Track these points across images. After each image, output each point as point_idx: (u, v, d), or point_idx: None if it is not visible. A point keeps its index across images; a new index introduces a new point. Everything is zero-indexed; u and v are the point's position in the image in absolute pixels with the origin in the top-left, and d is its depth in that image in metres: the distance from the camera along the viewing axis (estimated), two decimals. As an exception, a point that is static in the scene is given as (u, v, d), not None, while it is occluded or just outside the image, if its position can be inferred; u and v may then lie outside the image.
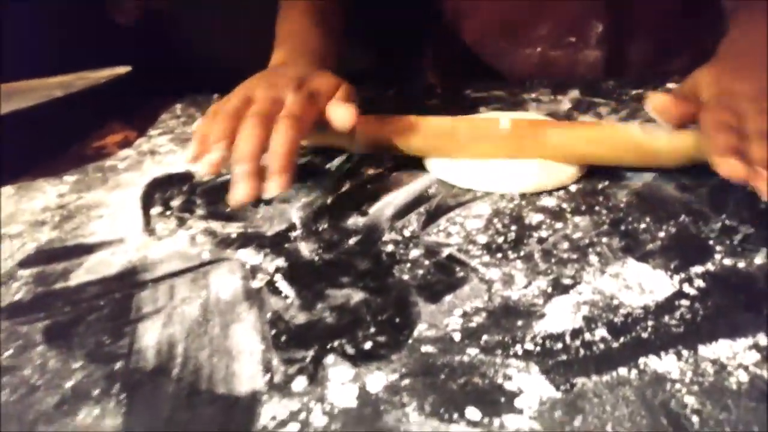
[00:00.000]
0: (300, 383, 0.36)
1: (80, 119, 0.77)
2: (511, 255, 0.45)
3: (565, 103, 0.68)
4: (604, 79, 0.73)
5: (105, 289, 0.46)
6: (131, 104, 0.81)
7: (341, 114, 0.49)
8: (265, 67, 0.62)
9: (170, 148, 0.69)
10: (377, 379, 0.35)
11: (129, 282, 0.47)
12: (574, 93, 0.70)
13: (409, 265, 0.45)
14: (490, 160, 0.53)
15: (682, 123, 0.47)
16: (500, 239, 0.46)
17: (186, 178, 0.62)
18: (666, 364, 0.34)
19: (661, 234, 0.44)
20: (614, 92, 0.69)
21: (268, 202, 0.55)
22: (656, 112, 0.47)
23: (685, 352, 0.35)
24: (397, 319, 0.40)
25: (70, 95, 0.72)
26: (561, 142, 0.51)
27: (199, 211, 0.55)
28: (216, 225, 0.53)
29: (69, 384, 0.37)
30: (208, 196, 0.57)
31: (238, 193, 0.45)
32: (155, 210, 0.57)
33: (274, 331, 0.40)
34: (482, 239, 0.47)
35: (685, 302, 0.38)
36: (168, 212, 0.56)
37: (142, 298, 0.45)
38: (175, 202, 0.57)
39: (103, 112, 0.79)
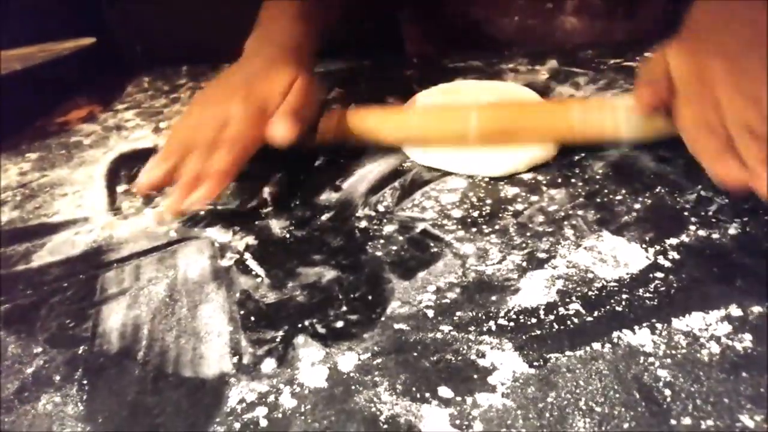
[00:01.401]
0: (269, 365, 0.35)
1: (42, 93, 0.74)
2: (486, 229, 0.44)
3: (542, 74, 0.67)
4: (583, 48, 0.71)
5: (69, 271, 0.45)
6: (96, 77, 0.78)
7: (278, 131, 0.48)
8: (234, 40, 0.60)
9: (137, 123, 0.67)
10: (348, 359, 0.35)
11: (94, 262, 0.45)
12: (552, 63, 0.69)
13: (382, 241, 0.44)
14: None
15: (656, 113, 0.45)
16: (475, 213, 0.46)
17: (153, 153, 0.60)
18: (640, 337, 0.34)
19: (637, 206, 0.44)
20: (592, 62, 0.68)
21: (238, 178, 0.53)
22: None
23: (659, 325, 0.34)
24: (370, 297, 0.39)
25: (31, 68, 0.70)
26: (531, 128, 0.50)
27: (166, 188, 0.53)
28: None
29: (29, 370, 0.36)
30: (176, 173, 0.56)
31: (166, 205, 0.46)
32: (121, 188, 0.55)
33: (243, 312, 0.39)
34: (457, 214, 0.46)
35: (659, 275, 0.38)
36: (134, 190, 0.54)
37: (107, 279, 0.43)
38: (142, 179, 0.55)
39: (67, 85, 0.76)
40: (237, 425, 0.31)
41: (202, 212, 0.49)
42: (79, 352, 0.37)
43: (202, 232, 0.47)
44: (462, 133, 0.50)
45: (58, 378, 0.36)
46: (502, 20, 0.78)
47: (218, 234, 0.46)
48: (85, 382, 0.35)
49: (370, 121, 0.53)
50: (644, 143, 0.49)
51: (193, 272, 0.43)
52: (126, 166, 0.58)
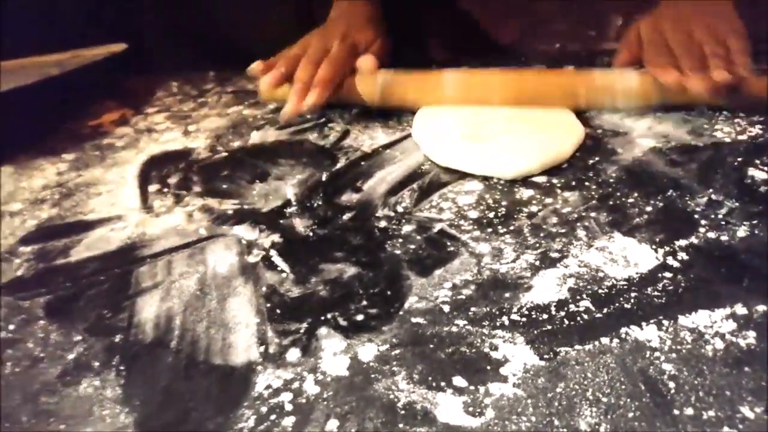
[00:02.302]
0: (293, 354, 0.37)
1: (76, 97, 0.77)
2: (501, 230, 0.45)
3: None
4: (600, 53, 0.73)
5: (105, 265, 0.47)
6: (126, 82, 0.81)
7: (364, 62, 0.63)
8: (266, 46, 0.67)
9: (167, 126, 0.70)
10: (368, 350, 0.37)
11: (128, 258, 0.48)
12: (570, 69, 0.70)
13: (401, 240, 0.46)
14: (482, 145, 0.53)
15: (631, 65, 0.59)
16: (491, 214, 0.47)
17: (183, 155, 0.62)
18: (647, 333, 0.35)
19: (649, 208, 0.45)
20: (609, 66, 0.69)
21: (264, 179, 0.56)
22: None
23: (665, 322, 0.36)
24: (389, 292, 0.41)
25: (65, 73, 0.73)
26: (537, 86, 0.59)
27: (196, 188, 0.56)
28: (212, 202, 0.54)
29: (71, 356, 0.39)
30: (204, 174, 0.58)
31: (288, 107, 0.61)
32: (152, 187, 0.58)
33: (269, 305, 0.41)
34: (473, 214, 0.48)
35: (668, 274, 0.39)
36: (165, 189, 0.57)
37: (141, 273, 0.46)
38: (172, 180, 0.58)
39: (99, 90, 0.79)
40: (264, 409, 0.34)
41: (230, 211, 0.52)
42: (116, 340, 0.40)
43: (229, 230, 0.49)
44: (488, 93, 0.59)
45: (97, 364, 0.38)
46: (542, 47, 0.79)
47: (245, 232, 0.49)
48: (122, 368, 0.38)
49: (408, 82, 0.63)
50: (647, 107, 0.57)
51: (221, 267, 0.45)
52: (157, 167, 0.61)
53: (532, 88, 0.60)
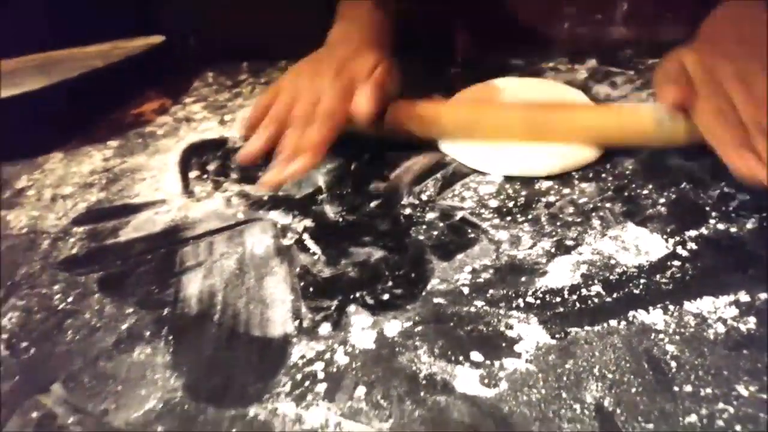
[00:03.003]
0: (325, 328, 0.40)
1: (119, 88, 0.82)
2: (520, 218, 0.48)
3: (581, 73, 0.70)
4: (622, 48, 0.74)
5: (151, 245, 0.51)
6: (165, 73, 0.85)
7: (362, 104, 0.53)
8: (291, 37, 0.66)
9: (204, 115, 0.74)
10: (393, 326, 0.40)
11: (172, 239, 0.52)
12: (592, 62, 0.72)
13: (425, 226, 0.49)
14: (502, 148, 0.54)
15: (681, 109, 0.48)
16: (510, 204, 0.50)
17: (220, 144, 0.66)
18: (653, 317, 0.38)
19: (662, 200, 0.48)
20: (631, 61, 0.71)
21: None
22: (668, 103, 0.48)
23: (671, 307, 0.38)
24: (413, 275, 0.44)
25: (109, 65, 0.77)
26: (571, 129, 0.53)
27: (234, 175, 0.60)
28: (249, 188, 0.57)
29: (124, 326, 0.43)
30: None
31: (267, 175, 0.51)
32: (193, 173, 0.61)
33: (302, 283, 0.45)
34: (494, 203, 0.50)
35: (677, 263, 0.42)
36: (204, 176, 0.60)
37: (185, 253, 0.50)
38: (211, 167, 0.62)
39: (140, 80, 0.83)
40: (299, 376, 0.37)
41: (266, 197, 0.56)
42: (164, 313, 0.44)
43: (266, 214, 0.53)
44: (507, 130, 0.54)
45: (147, 334, 0.42)
46: (551, 29, 0.81)
47: (280, 217, 0.52)
48: (170, 338, 0.41)
49: (440, 113, 0.57)
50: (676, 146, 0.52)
51: (258, 249, 0.49)
52: (196, 155, 0.65)
53: (562, 131, 0.54)
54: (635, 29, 0.78)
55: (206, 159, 0.63)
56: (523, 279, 0.42)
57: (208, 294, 0.45)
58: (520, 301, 0.40)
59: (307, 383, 0.37)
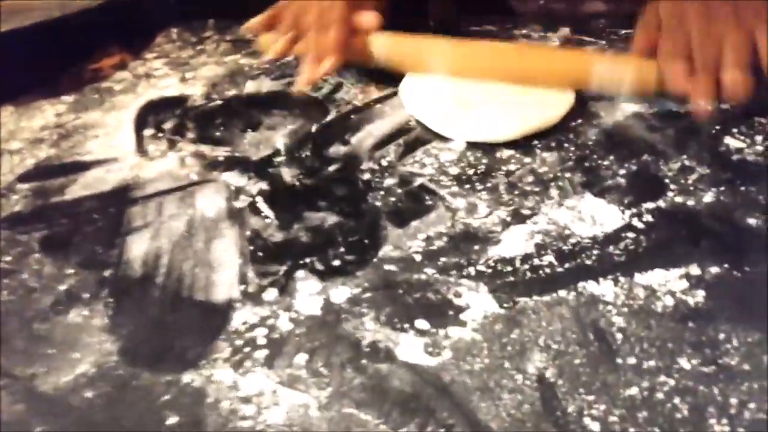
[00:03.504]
0: (271, 294, 0.39)
1: (77, 41, 0.78)
2: (479, 186, 0.47)
3: (553, 41, 0.68)
4: (596, 18, 0.73)
5: (99, 204, 0.50)
6: (127, 28, 0.82)
7: (367, 19, 0.60)
8: None
9: (165, 72, 0.71)
10: (341, 292, 0.39)
11: (121, 198, 0.50)
12: (565, 31, 0.70)
13: (382, 192, 0.48)
14: (468, 111, 0.53)
15: (650, 52, 0.52)
16: (470, 171, 0.49)
17: (179, 101, 0.64)
18: (603, 288, 0.37)
19: (622, 171, 0.47)
20: (603, 31, 0.69)
21: (256, 128, 0.57)
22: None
23: (621, 279, 0.38)
24: (366, 241, 0.43)
25: (67, 16, 0.73)
26: (550, 71, 0.55)
27: (190, 135, 0.58)
28: (205, 148, 0.55)
29: (63, 287, 0.41)
30: (198, 120, 0.60)
31: (304, 77, 0.58)
32: (148, 132, 0.59)
33: (252, 248, 0.43)
34: (454, 171, 0.49)
35: (631, 234, 0.41)
36: (160, 134, 0.58)
37: (133, 213, 0.48)
38: (168, 125, 0.60)
39: (100, 34, 0.80)
40: (239, 342, 0.36)
41: (221, 158, 0.54)
42: (106, 275, 0.42)
43: (219, 176, 0.51)
44: (487, 68, 0.56)
45: (87, 296, 0.41)
46: (528, 2, 0.79)
47: (234, 178, 0.51)
48: (110, 300, 0.40)
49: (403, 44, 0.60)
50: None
51: (210, 211, 0.47)
52: (153, 112, 0.62)
53: (533, 67, 0.56)
54: (611, 4, 0.77)
55: (163, 117, 0.61)
56: (476, 247, 0.41)
57: (153, 256, 0.44)
58: (472, 269, 0.40)
59: (246, 349, 0.36)
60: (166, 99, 0.65)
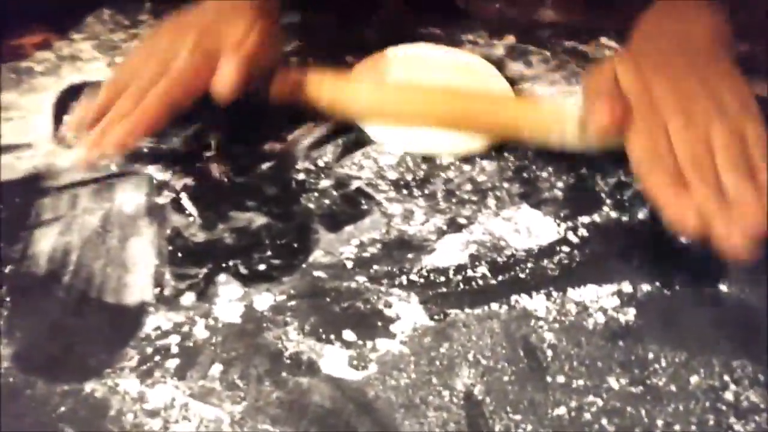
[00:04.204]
0: (188, 298, 0.37)
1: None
2: (416, 192, 0.46)
3: (499, 48, 0.68)
4: (542, 27, 0.73)
5: (6, 193, 0.45)
6: (54, 5, 0.77)
7: (223, 79, 0.45)
8: None
9: (93, 55, 0.66)
10: (265, 299, 0.37)
11: (32, 188, 0.46)
12: (510, 39, 0.70)
13: (316, 194, 0.46)
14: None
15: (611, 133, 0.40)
16: (409, 176, 0.48)
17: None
18: (535, 302, 0.36)
19: (560, 184, 0.46)
20: (549, 41, 0.70)
21: (189, 119, 0.54)
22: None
23: (554, 293, 0.37)
24: (295, 245, 0.41)
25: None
26: (483, 122, 0.50)
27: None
28: (129, 138, 0.52)
29: (-47, 284, 0.37)
30: (125, 109, 0.56)
31: (85, 145, 0.43)
32: (68, 118, 0.55)
33: (171, 247, 0.40)
34: (392, 175, 0.48)
35: (566, 248, 0.40)
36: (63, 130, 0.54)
37: (43, 204, 0.44)
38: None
39: (23, 9, 0.74)
40: (149, 350, 0.33)
41: (146, 150, 0.50)
42: (6, 270, 0.38)
43: (143, 168, 0.48)
44: (418, 115, 0.51)
45: (-19, 294, 0.37)
46: (484, 8, 0.79)
47: (158, 172, 0.48)
48: (8, 299, 0.36)
49: (328, 89, 0.52)
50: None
51: (128, 206, 0.44)
52: (76, 97, 0.58)
53: (464, 118, 0.50)
54: (563, 14, 0.77)
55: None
56: (410, 256, 0.40)
57: (61, 252, 0.40)
58: (404, 278, 0.38)
59: (157, 358, 0.33)
60: (91, 84, 0.61)
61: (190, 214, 0.43)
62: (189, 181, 0.47)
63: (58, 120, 0.55)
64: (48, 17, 0.74)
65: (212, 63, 0.46)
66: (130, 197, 0.45)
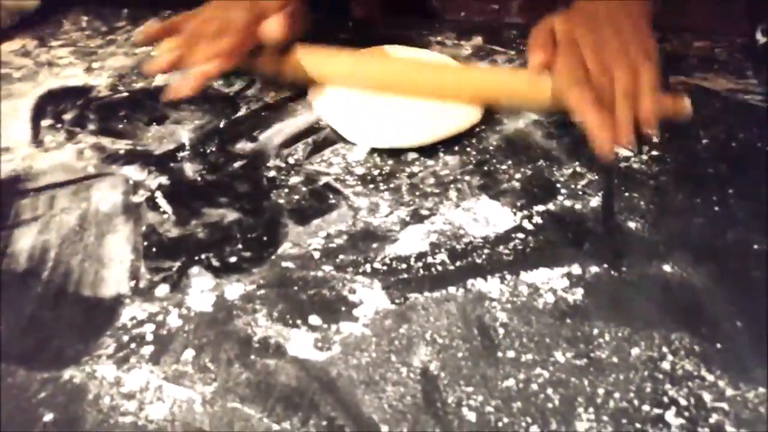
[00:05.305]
0: (162, 290, 0.39)
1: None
2: (382, 186, 0.48)
3: (466, 49, 0.70)
4: (509, 28, 0.76)
5: (-15, 196, 0.47)
6: (33, 11, 0.78)
7: (268, 27, 0.56)
8: None
9: (70, 61, 0.68)
10: (235, 289, 0.39)
11: (10, 190, 0.48)
12: (477, 40, 0.73)
13: (286, 190, 0.48)
14: (375, 117, 0.54)
15: (542, 70, 0.52)
16: (376, 172, 0.50)
17: (82, 92, 0.61)
18: (490, 285, 0.39)
19: (518, 175, 0.49)
20: (514, 42, 0.72)
21: (161, 122, 0.56)
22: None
23: (508, 277, 0.39)
24: (265, 238, 0.43)
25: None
26: (445, 86, 0.55)
27: (91, 126, 0.56)
28: (106, 141, 0.54)
29: (-65, 282, 0.39)
30: (102, 112, 0.58)
31: (176, 82, 0.54)
32: (46, 122, 0.57)
33: (146, 243, 0.42)
34: (360, 171, 0.50)
35: (520, 235, 0.43)
36: (59, 125, 0.56)
37: (22, 205, 0.46)
38: (68, 116, 0.57)
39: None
40: (125, 338, 0.35)
41: (122, 151, 0.52)
42: (-13, 268, 0.40)
43: (119, 169, 0.50)
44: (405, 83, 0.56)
45: (-38, 290, 0.38)
46: (452, 15, 0.81)
47: (134, 172, 0.49)
48: (-12, 295, 0.38)
49: (310, 58, 0.58)
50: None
51: (105, 205, 0.46)
52: (53, 102, 0.60)
53: (436, 83, 0.56)
54: (530, 20, 0.80)
55: (63, 107, 0.59)
56: (374, 245, 0.42)
57: (40, 250, 0.42)
58: (368, 266, 0.40)
59: (133, 345, 0.35)
60: (68, 89, 0.62)
61: (164, 212, 0.45)
62: (164, 180, 0.49)
63: (35, 124, 0.56)
64: (25, 24, 0.76)
65: (260, 22, 0.56)
66: (106, 197, 0.47)
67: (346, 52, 0.59)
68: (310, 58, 0.58)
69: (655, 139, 0.52)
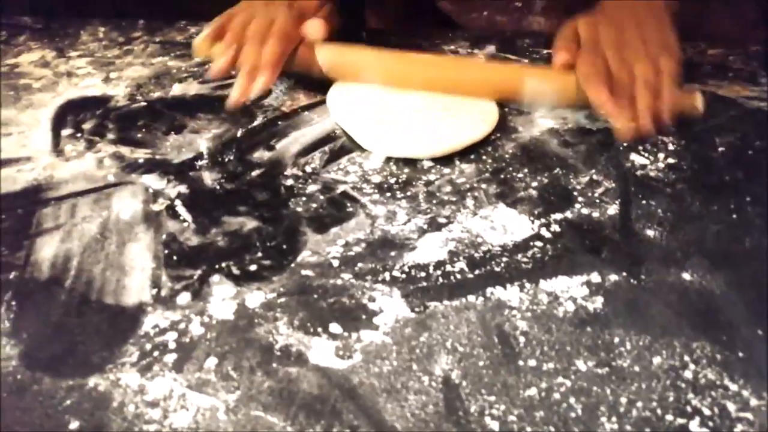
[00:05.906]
0: (184, 298, 0.39)
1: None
2: (399, 195, 0.48)
3: (479, 57, 0.71)
4: (522, 37, 0.76)
5: (7, 205, 0.48)
6: (52, 23, 0.79)
7: (312, 28, 0.60)
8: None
9: (88, 71, 0.69)
10: (256, 297, 0.39)
11: (32, 199, 0.48)
12: (491, 48, 0.73)
13: (304, 198, 0.48)
14: (391, 126, 0.54)
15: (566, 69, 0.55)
16: (392, 180, 0.50)
17: (101, 101, 0.62)
18: (509, 293, 0.39)
19: (535, 183, 0.49)
20: (527, 50, 0.72)
21: (179, 131, 0.57)
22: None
23: (527, 285, 0.40)
24: (284, 246, 0.43)
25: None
26: (467, 78, 0.58)
27: (110, 136, 0.56)
28: (125, 150, 0.54)
29: (-39, 290, 0.40)
30: (120, 122, 0.59)
31: (236, 92, 0.56)
32: (66, 131, 0.57)
33: (167, 251, 0.43)
34: (376, 179, 0.50)
35: (539, 243, 0.43)
36: (79, 134, 0.57)
37: (44, 214, 0.47)
38: (87, 125, 0.58)
39: (21, 28, 0.77)
40: (148, 346, 0.36)
41: (141, 160, 0.53)
42: (10, 277, 0.41)
43: (138, 178, 0.50)
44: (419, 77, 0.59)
45: (-12, 298, 0.39)
46: (471, 15, 0.82)
47: (153, 181, 0.50)
48: (13, 303, 0.39)
49: (334, 54, 0.61)
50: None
51: (125, 214, 0.46)
52: (73, 112, 0.61)
53: (463, 77, 0.59)
54: (552, 20, 0.80)
55: (83, 117, 0.59)
56: (392, 253, 0.42)
57: (62, 258, 0.42)
58: (387, 274, 0.41)
59: (156, 353, 0.35)
60: (87, 99, 0.63)
61: (184, 220, 0.46)
62: (183, 189, 0.49)
63: (56, 133, 0.57)
64: (45, 35, 0.77)
65: (302, 20, 0.60)
66: (127, 205, 0.47)
67: (368, 48, 0.62)
68: (332, 54, 0.60)
69: (671, 147, 0.52)
